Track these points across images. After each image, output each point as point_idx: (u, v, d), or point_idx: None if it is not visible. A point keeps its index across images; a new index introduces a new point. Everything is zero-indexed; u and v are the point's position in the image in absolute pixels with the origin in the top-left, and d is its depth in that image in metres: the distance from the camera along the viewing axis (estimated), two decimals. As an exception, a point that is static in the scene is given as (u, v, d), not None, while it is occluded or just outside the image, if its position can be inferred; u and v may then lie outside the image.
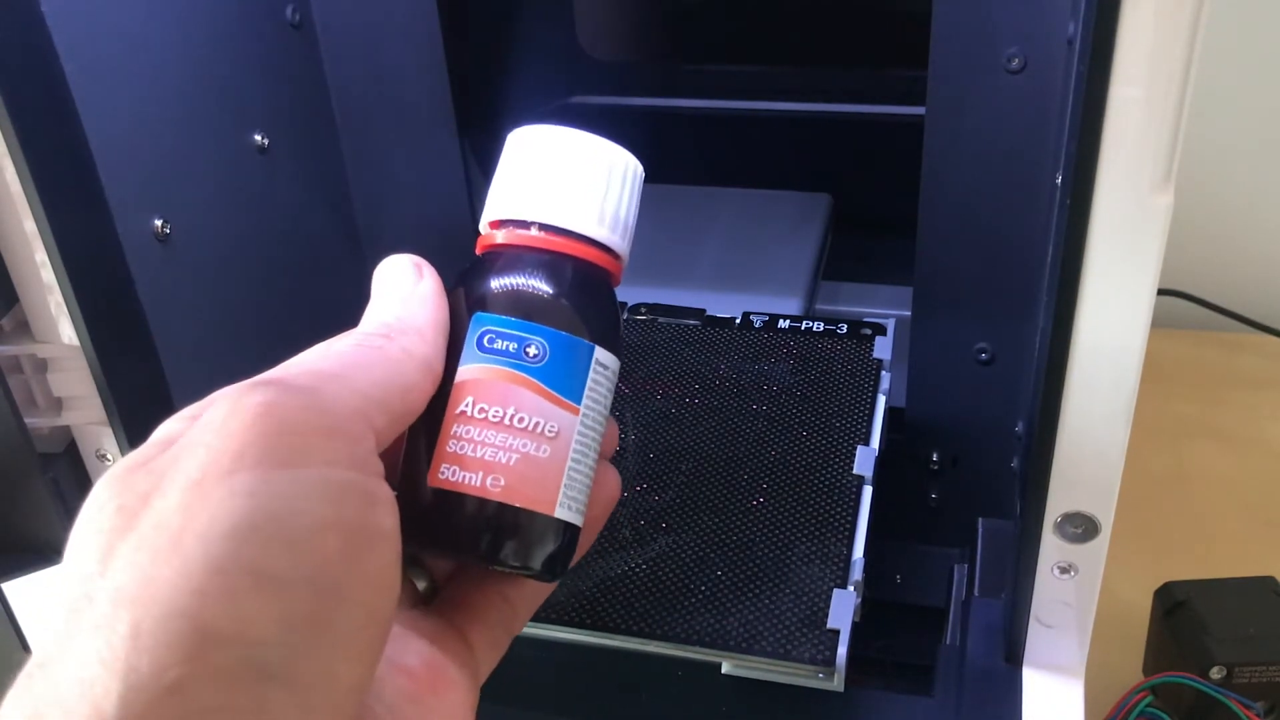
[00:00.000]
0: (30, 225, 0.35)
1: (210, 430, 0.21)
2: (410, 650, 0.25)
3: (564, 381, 0.26)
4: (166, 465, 0.21)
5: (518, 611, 0.28)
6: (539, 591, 0.29)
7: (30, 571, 0.39)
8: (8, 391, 0.37)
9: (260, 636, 0.19)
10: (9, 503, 0.39)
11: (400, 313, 0.26)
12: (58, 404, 0.40)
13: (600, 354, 0.27)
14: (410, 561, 0.28)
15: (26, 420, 0.38)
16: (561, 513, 0.26)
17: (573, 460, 0.26)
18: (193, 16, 0.43)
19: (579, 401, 0.27)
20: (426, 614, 0.27)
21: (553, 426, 0.26)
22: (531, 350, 0.26)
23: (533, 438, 0.26)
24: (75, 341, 0.37)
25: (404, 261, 0.27)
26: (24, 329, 0.38)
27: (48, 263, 0.36)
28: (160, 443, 0.22)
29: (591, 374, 0.27)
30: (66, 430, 0.41)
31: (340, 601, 0.20)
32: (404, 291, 0.26)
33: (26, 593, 0.40)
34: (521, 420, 0.26)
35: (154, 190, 0.41)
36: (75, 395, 0.39)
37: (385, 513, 0.22)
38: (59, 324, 0.37)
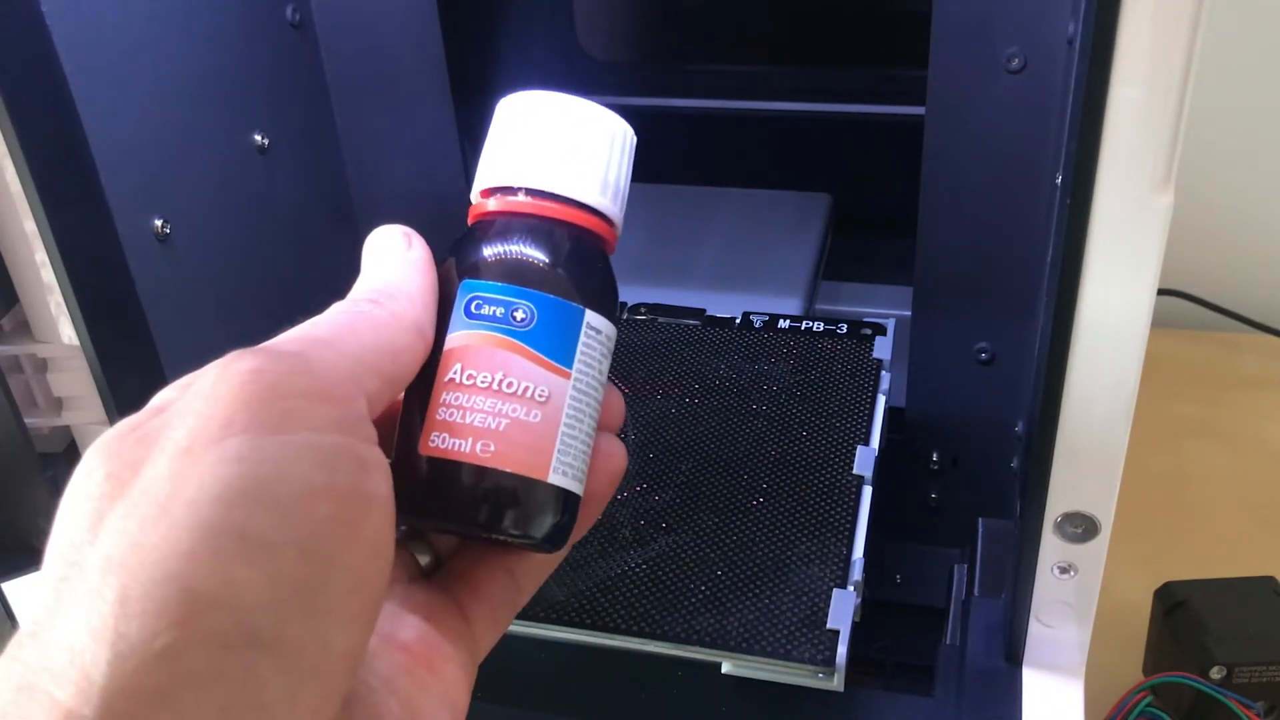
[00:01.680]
0: (30, 225, 0.35)
1: (199, 397, 0.20)
2: (406, 625, 0.25)
3: (554, 345, 0.26)
4: (156, 432, 0.20)
5: (521, 587, 0.28)
6: (542, 565, 0.29)
7: (31, 571, 0.39)
8: (8, 391, 0.37)
9: (250, 601, 0.19)
10: (9, 503, 0.39)
11: (389, 278, 0.26)
12: (58, 404, 0.40)
13: (592, 318, 0.27)
14: (412, 535, 0.27)
15: (26, 420, 0.38)
16: (556, 479, 0.26)
17: (566, 425, 0.26)
18: (193, 16, 0.43)
19: (570, 366, 0.26)
20: (426, 589, 0.27)
21: (543, 391, 0.26)
22: (519, 314, 0.26)
23: (523, 402, 0.25)
24: (75, 341, 0.37)
25: (393, 231, 0.27)
26: (24, 329, 0.38)
27: (48, 263, 0.36)
28: (153, 410, 0.22)
29: (583, 338, 0.26)
30: (66, 430, 0.41)
31: (331, 567, 0.20)
32: (393, 259, 0.26)
33: (26, 593, 0.40)
34: (510, 385, 0.25)
35: (154, 190, 0.41)
36: (75, 395, 0.39)
37: (377, 478, 0.22)
38: (59, 324, 0.37)
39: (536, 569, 0.28)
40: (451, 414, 0.25)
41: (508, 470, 0.25)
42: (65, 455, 0.41)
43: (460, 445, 0.25)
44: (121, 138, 0.39)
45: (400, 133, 0.54)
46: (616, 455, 0.29)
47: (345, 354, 0.23)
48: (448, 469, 0.25)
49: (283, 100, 0.49)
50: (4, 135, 0.34)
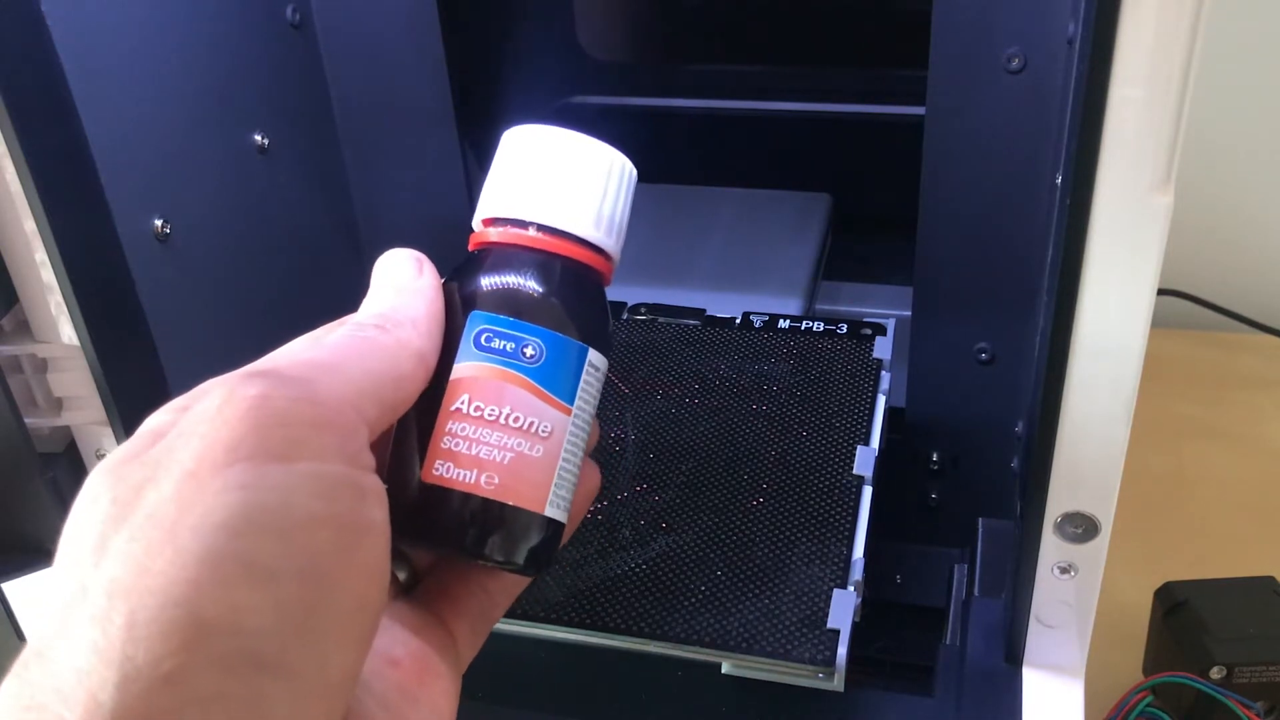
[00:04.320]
0: (30, 225, 0.35)
1: (204, 421, 0.21)
2: (395, 641, 0.26)
3: (558, 382, 0.27)
4: (160, 455, 0.21)
5: (496, 601, 0.29)
6: (517, 583, 0.30)
7: (30, 571, 0.39)
8: (8, 391, 0.37)
9: (254, 626, 0.19)
10: (9, 503, 0.39)
11: (395, 303, 0.26)
12: (58, 404, 0.40)
13: (592, 355, 0.28)
14: (393, 553, 0.28)
15: (26, 420, 0.38)
16: (550, 510, 0.27)
17: (563, 460, 0.27)
18: (193, 16, 0.43)
19: (571, 402, 0.27)
20: (409, 605, 0.27)
21: (546, 426, 0.26)
22: (529, 350, 0.26)
23: (527, 437, 0.26)
24: (75, 341, 0.37)
25: (404, 255, 0.27)
26: (24, 329, 0.38)
27: (48, 263, 0.36)
28: (150, 434, 0.22)
29: (584, 375, 0.27)
30: (66, 430, 0.41)
31: (332, 592, 0.20)
32: (402, 284, 0.27)
33: (26, 593, 0.40)
34: (517, 420, 0.26)
35: (154, 190, 0.41)
36: (75, 395, 0.39)
37: (375, 506, 0.22)
38: (59, 324, 0.37)
39: (510, 586, 0.29)
40: (457, 444, 0.26)
41: (509, 503, 0.26)
42: (65, 455, 0.41)
43: (465, 476, 0.26)
44: (121, 138, 0.39)
45: (400, 132, 0.54)
46: (592, 477, 0.31)
47: (349, 380, 0.23)
48: (450, 498, 0.26)
49: (283, 101, 0.49)
50: (4, 135, 0.34)
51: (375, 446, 0.24)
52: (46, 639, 0.19)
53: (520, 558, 0.27)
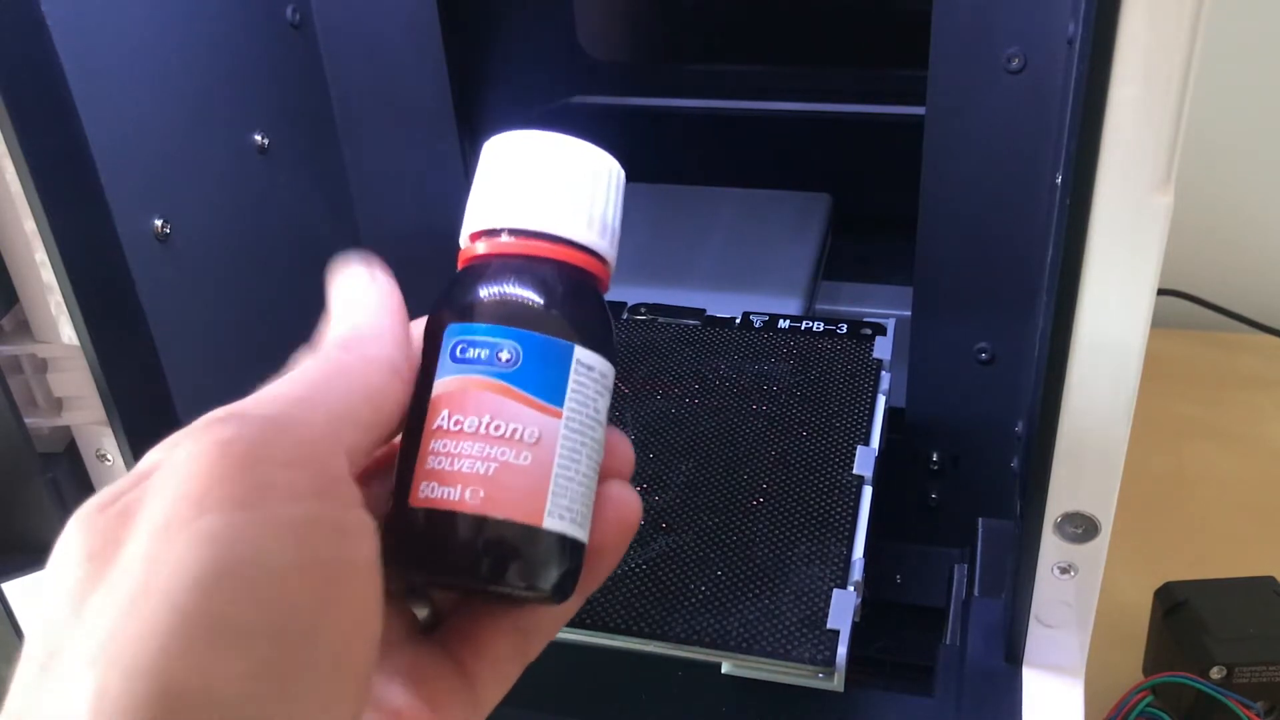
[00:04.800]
0: (30, 225, 0.35)
1: (173, 473, 0.20)
2: (394, 689, 0.24)
3: (541, 384, 0.25)
4: (134, 507, 0.20)
5: (531, 641, 0.27)
6: (553, 618, 0.27)
7: (30, 572, 0.39)
8: (8, 391, 0.37)
9: (228, 693, 0.18)
10: (9, 503, 0.39)
11: (356, 321, 0.25)
12: (58, 404, 0.40)
13: (582, 354, 0.26)
14: (410, 590, 0.27)
15: (26, 420, 0.38)
16: (552, 524, 0.25)
17: (560, 466, 0.25)
18: (193, 17, 0.43)
19: (560, 404, 0.25)
20: (421, 648, 0.26)
21: (532, 432, 0.25)
22: (504, 355, 0.25)
23: (511, 445, 0.25)
24: (75, 341, 0.37)
25: (357, 271, 0.26)
26: (24, 329, 0.38)
27: (48, 263, 0.36)
28: (139, 475, 0.21)
29: (574, 375, 0.26)
30: (66, 430, 0.41)
31: (312, 647, 0.19)
32: (355, 298, 0.25)
33: (26, 593, 0.40)
34: (498, 428, 0.25)
35: (154, 190, 0.41)
36: (75, 395, 0.39)
37: (358, 544, 0.21)
38: (59, 324, 0.37)
39: (547, 622, 0.27)
40: (440, 462, 0.24)
41: (500, 517, 0.24)
42: (65, 455, 0.41)
43: (450, 493, 0.24)
44: (122, 138, 0.39)
45: (400, 132, 0.54)
46: (629, 503, 0.27)
47: (320, 408, 0.22)
48: (439, 519, 0.24)
49: (283, 100, 0.49)
50: (4, 135, 0.34)
51: (366, 479, 0.22)
52: (19, 709, 0.19)
53: (527, 577, 0.25)
